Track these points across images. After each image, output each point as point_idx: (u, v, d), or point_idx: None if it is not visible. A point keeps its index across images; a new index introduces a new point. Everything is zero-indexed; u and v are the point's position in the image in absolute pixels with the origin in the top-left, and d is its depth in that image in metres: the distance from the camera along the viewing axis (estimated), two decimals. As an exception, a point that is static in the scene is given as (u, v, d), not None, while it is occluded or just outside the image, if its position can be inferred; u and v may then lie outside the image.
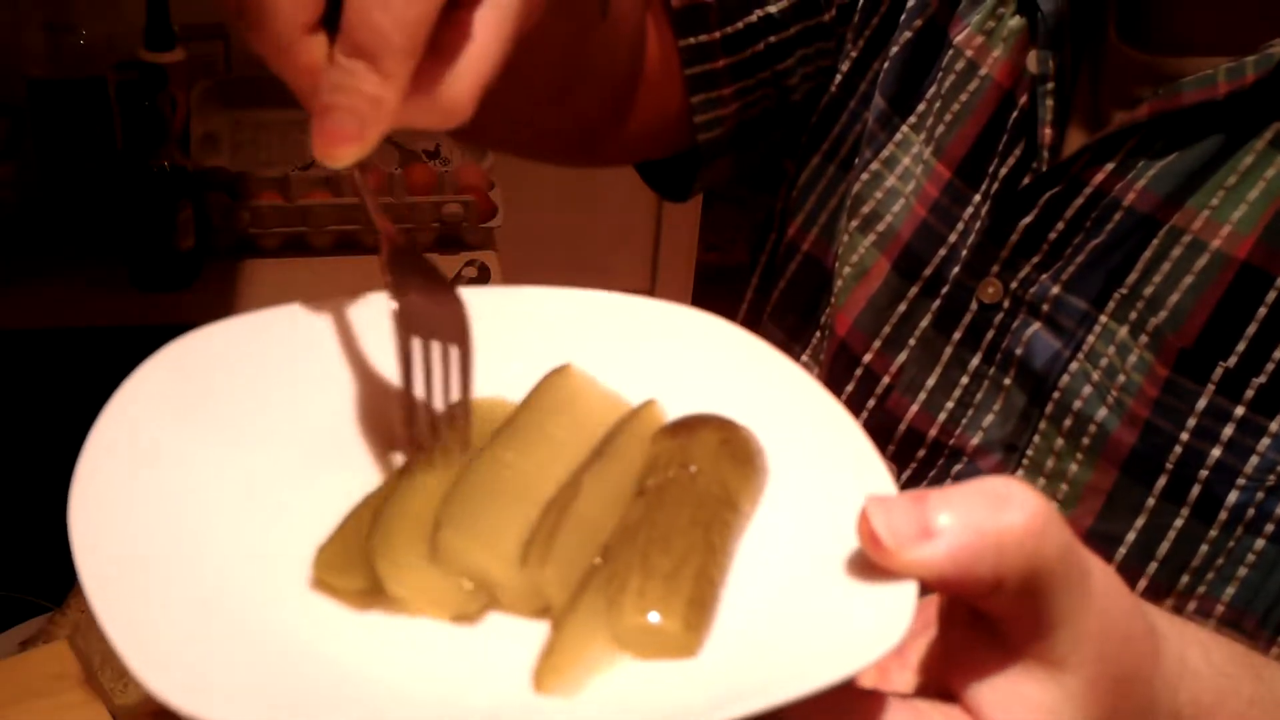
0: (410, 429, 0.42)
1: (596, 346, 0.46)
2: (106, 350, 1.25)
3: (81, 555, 0.34)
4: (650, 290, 2.34)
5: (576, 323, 0.47)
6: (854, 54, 0.70)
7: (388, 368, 0.44)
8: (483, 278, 1.44)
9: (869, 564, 0.34)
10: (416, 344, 0.42)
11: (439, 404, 0.42)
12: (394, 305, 0.42)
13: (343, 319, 0.45)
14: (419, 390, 0.42)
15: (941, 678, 0.36)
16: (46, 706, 0.69)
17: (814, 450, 0.42)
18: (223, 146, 1.49)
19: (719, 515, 0.39)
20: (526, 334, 0.46)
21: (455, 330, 0.42)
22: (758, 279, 0.78)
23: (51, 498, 1.16)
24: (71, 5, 1.36)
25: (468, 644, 0.37)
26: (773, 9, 0.69)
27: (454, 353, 0.42)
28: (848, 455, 0.40)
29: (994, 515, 0.32)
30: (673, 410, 0.44)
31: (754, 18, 0.69)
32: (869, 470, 0.39)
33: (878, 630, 0.33)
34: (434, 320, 0.42)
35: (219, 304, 1.35)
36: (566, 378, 0.44)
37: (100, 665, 0.81)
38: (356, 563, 0.38)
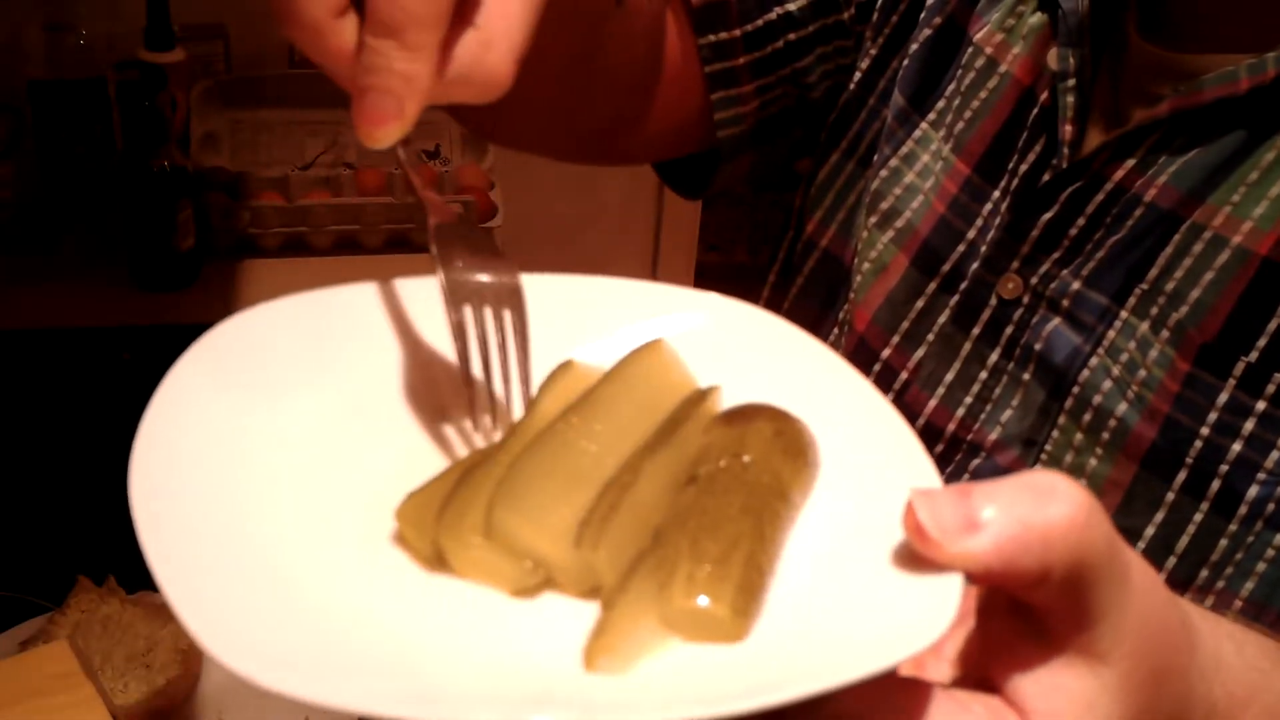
0: (472, 402, 0.43)
1: (653, 336, 0.47)
2: (106, 350, 1.25)
3: (141, 516, 0.35)
4: (650, 290, 2.32)
5: (634, 312, 0.47)
6: (873, 52, 0.71)
7: (441, 343, 0.45)
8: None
9: (915, 556, 0.34)
10: (470, 315, 0.42)
11: (497, 373, 0.43)
12: (442, 278, 0.43)
13: (395, 297, 0.46)
14: (477, 363, 0.43)
15: (980, 669, 0.36)
16: (46, 706, 0.69)
17: (861, 444, 0.42)
18: (223, 146, 1.49)
19: (770, 505, 0.39)
20: (584, 322, 0.47)
21: (508, 297, 0.43)
22: (775, 276, 0.78)
23: (51, 498, 1.16)
24: (71, 5, 1.36)
25: (521, 621, 0.38)
26: (792, 7, 0.69)
27: (508, 319, 0.43)
28: (894, 450, 0.41)
29: (1039, 508, 0.33)
30: (725, 402, 0.45)
31: (773, 15, 0.69)
32: (915, 465, 0.40)
33: (923, 621, 0.33)
34: (485, 289, 0.43)
35: (219, 304, 1.35)
36: (655, 352, 0.45)
37: (100, 665, 0.81)
38: (432, 526, 0.39)
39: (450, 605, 0.38)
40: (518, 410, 0.43)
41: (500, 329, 0.43)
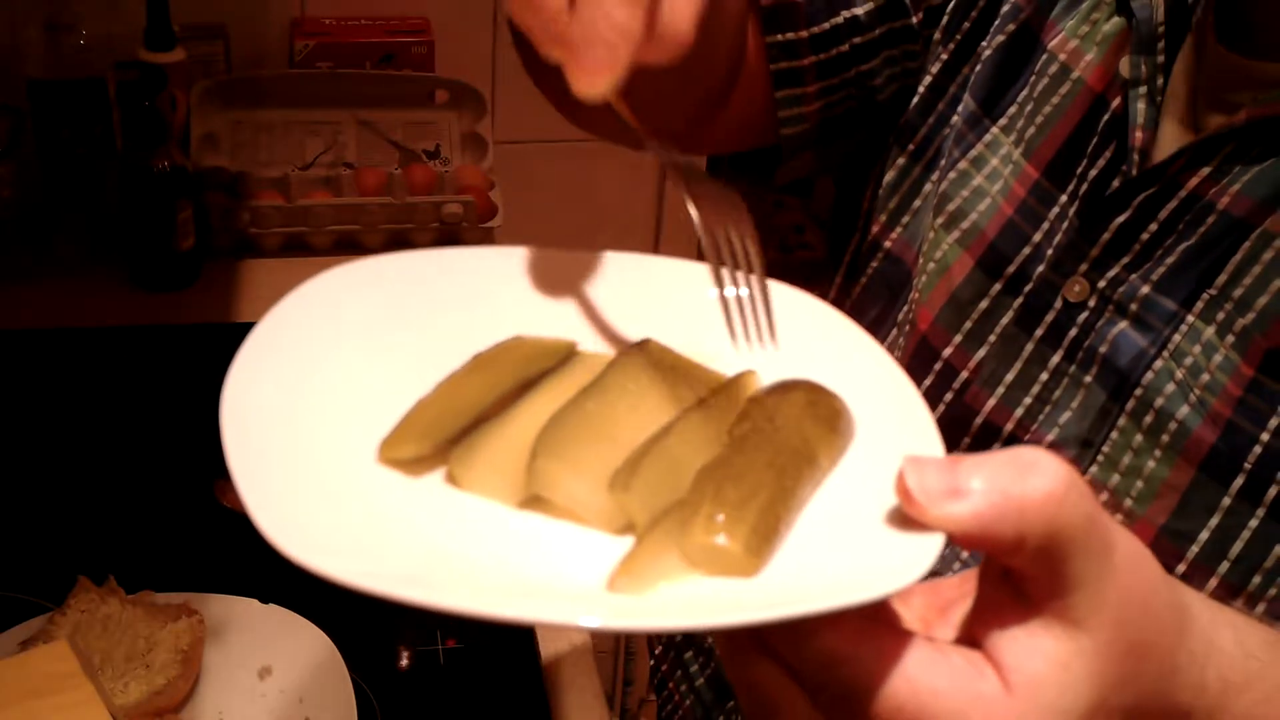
0: (729, 319, 0.48)
1: (700, 313, 0.51)
2: (106, 350, 1.25)
3: (230, 434, 0.40)
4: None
5: (683, 291, 0.52)
6: (944, 57, 0.71)
7: (494, 304, 0.51)
8: (483, 278, 1.44)
9: (906, 517, 0.38)
10: (723, 244, 0.48)
11: (745, 290, 0.49)
12: (696, 213, 0.48)
13: (478, 264, 0.52)
14: (729, 284, 0.48)
15: (969, 628, 0.39)
16: (46, 706, 0.69)
17: (881, 419, 0.46)
18: (223, 146, 1.49)
19: (794, 464, 0.43)
20: (627, 297, 0.52)
21: (745, 225, 0.49)
22: (841, 277, 0.80)
23: (51, 497, 1.16)
24: (71, 5, 1.36)
25: (557, 551, 0.42)
26: (859, 11, 0.70)
27: (750, 245, 0.49)
28: (907, 424, 0.45)
29: (1019, 480, 0.35)
30: (766, 378, 0.49)
31: (840, 19, 0.70)
32: (923, 437, 0.44)
33: (899, 568, 0.37)
34: (727, 220, 0.49)
35: (219, 304, 1.35)
36: (647, 350, 0.49)
37: (100, 665, 0.81)
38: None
39: (503, 536, 0.43)
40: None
41: (745, 255, 0.48)
